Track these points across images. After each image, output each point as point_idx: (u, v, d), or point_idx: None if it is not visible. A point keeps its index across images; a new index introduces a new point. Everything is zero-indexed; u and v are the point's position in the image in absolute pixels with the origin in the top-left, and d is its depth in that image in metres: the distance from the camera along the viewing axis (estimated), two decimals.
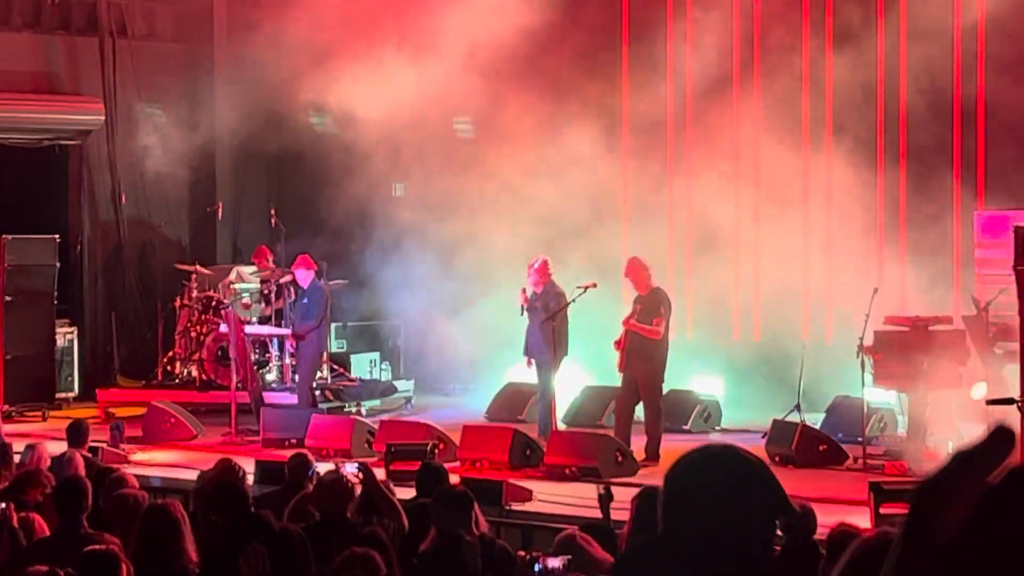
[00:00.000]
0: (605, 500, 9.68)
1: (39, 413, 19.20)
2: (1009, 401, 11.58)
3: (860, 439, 14.87)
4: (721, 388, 18.05)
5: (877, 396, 15.29)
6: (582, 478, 13.83)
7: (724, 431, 17.38)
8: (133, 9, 22.11)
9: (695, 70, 19.19)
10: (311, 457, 11.05)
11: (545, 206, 18.96)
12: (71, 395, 20.35)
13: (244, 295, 19.91)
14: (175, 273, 20.67)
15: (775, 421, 15.36)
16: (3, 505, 8.47)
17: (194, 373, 19.81)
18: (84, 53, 21.61)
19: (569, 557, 7.83)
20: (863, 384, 14.69)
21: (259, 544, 7.06)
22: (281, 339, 19.14)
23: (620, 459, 14.29)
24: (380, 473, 11.60)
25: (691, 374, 17.69)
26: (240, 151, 21.88)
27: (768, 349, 17.99)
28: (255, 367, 18.62)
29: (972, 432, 13.99)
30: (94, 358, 21.27)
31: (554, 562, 7.68)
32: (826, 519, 8.82)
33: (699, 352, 17.95)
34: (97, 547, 7.16)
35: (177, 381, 19.99)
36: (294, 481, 10.47)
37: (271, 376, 19.24)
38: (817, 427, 15.51)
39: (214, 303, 19.77)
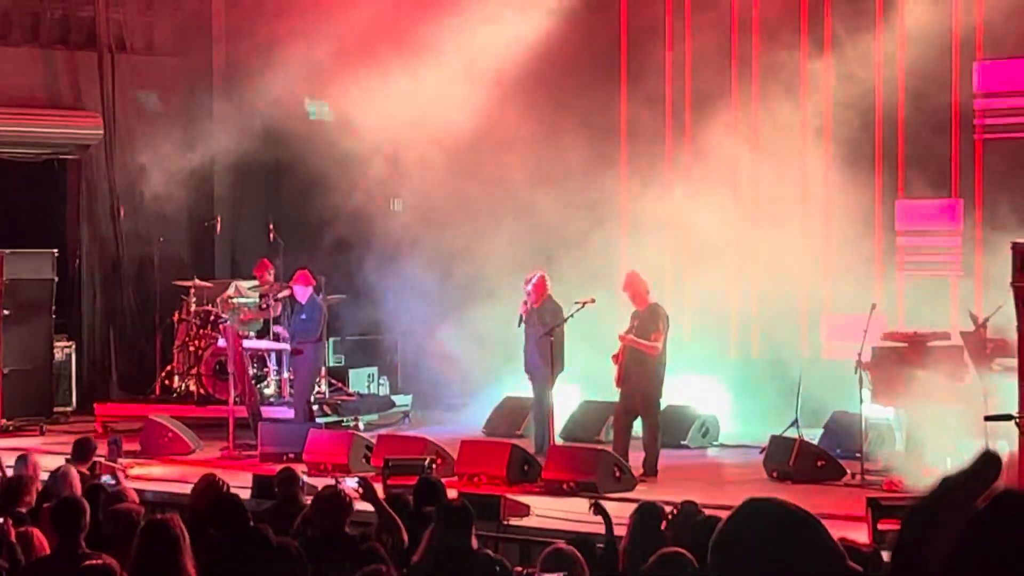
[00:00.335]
0: (605, 517, 9.64)
1: (37, 427, 19.19)
2: (1007, 417, 11.57)
3: (858, 455, 14.86)
4: (719, 403, 18.05)
5: (875, 412, 15.28)
6: (580, 493, 13.82)
7: (722, 446, 17.40)
8: (132, 24, 22.13)
9: (693, 82, 19.22)
10: (298, 471, 11.09)
11: (544, 218, 19.00)
12: (69, 409, 20.35)
13: (242, 310, 19.90)
14: (173, 287, 20.67)
15: (773, 437, 15.35)
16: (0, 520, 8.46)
17: (192, 387, 19.80)
18: (83, 68, 21.63)
19: (565, 574, 7.82)
20: (861, 400, 14.69)
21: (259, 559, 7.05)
22: (279, 353, 19.14)
23: (618, 474, 14.29)
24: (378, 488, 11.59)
25: (689, 389, 17.68)
26: (238, 165, 21.88)
27: (766, 364, 17.99)
28: (253, 381, 18.62)
29: (970, 448, 14.00)
30: (92, 372, 21.25)
31: None
32: None
33: (697, 367, 17.94)
34: (95, 562, 7.15)
35: (175, 395, 19.98)
36: (284, 496, 10.50)
37: (269, 390, 19.24)
38: (815, 443, 15.51)
39: (212, 317, 19.77)
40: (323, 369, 19.27)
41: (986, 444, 13.65)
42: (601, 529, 9.67)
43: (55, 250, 20.22)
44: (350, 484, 9.71)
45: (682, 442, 17.07)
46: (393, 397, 20.16)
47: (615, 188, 19.55)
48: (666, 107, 19.41)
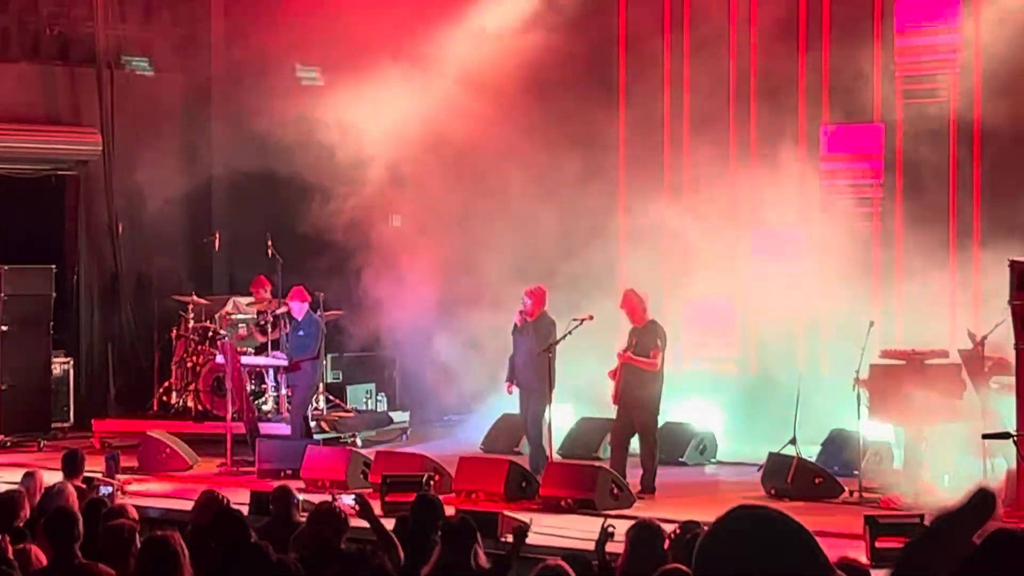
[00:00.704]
0: (605, 537, 9.61)
1: (34, 443, 19.18)
2: (1005, 435, 11.56)
3: (856, 472, 14.86)
4: (717, 420, 18.04)
5: (873, 429, 15.28)
6: (578, 510, 13.82)
7: (720, 463, 17.38)
8: (131, 40, 22.16)
9: (691, 95, 19.25)
10: (293, 489, 11.10)
11: (543, 234, 19.00)
12: (66, 425, 20.34)
13: (240, 326, 19.90)
14: (172, 303, 20.67)
15: (771, 454, 15.34)
16: None
17: (190, 404, 19.78)
18: (82, 84, 21.66)
19: None
20: (859, 417, 14.69)
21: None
22: (277, 369, 19.13)
23: (616, 491, 14.28)
24: (376, 505, 11.59)
25: (687, 406, 17.68)
26: (237, 181, 21.90)
27: (764, 381, 17.99)
28: (251, 398, 18.62)
29: (968, 466, 14.01)
30: (90, 388, 21.24)
31: None
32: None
33: (694, 384, 17.94)
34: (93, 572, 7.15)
35: (173, 411, 19.95)
36: (279, 513, 10.51)
37: (267, 407, 19.23)
38: (813, 460, 15.50)
39: (210, 333, 19.77)
40: (320, 385, 19.27)
41: (984, 466, 13.67)
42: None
43: (53, 266, 20.22)
44: (347, 501, 9.70)
45: (680, 459, 17.07)
46: (391, 413, 20.16)
47: (613, 201, 19.57)
48: (664, 120, 19.43)
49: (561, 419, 17.20)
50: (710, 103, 18.99)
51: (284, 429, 18.13)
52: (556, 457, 15.78)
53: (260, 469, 16.25)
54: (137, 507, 10.63)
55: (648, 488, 14.95)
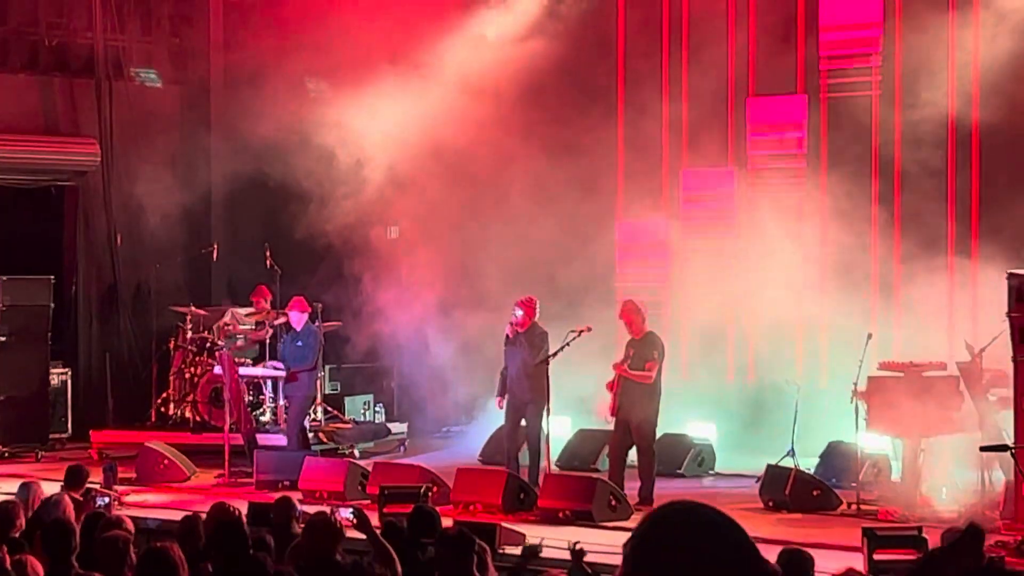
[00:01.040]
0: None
1: (32, 454, 19.18)
2: (1004, 448, 11.57)
3: (854, 484, 14.85)
4: (715, 432, 18.03)
5: (871, 441, 15.27)
6: (576, 522, 13.81)
7: (718, 475, 17.37)
8: (130, 51, 22.17)
9: (690, 102, 19.27)
10: (295, 500, 11.07)
11: (540, 244, 19.00)
12: (64, 436, 20.33)
13: (238, 337, 19.88)
14: (170, 314, 20.66)
15: (769, 466, 15.32)
16: None
17: (188, 414, 19.77)
18: (81, 95, 21.67)
19: None
20: (857, 429, 14.68)
21: None
22: (275, 380, 19.12)
23: (614, 503, 14.26)
24: (373, 516, 11.58)
25: (685, 418, 17.67)
26: (236, 192, 21.90)
27: (762, 393, 17.99)
28: (249, 409, 18.60)
29: (966, 478, 14.01)
30: (88, 399, 21.22)
31: None
32: (820, 565, 8.80)
33: (693, 396, 17.93)
34: None
35: (171, 422, 19.94)
36: (279, 523, 10.48)
37: (265, 417, 19.21)
38: (811, 472, 15.50)
39: (208, 344, 19.76)
40: (318, 396, 19.25)
41: (983, 479, 13.66)
42: (599, 558, 9.59)
43: (52, 276, 20.21)
44: (344, 515, 9.68)
45: (678, 471, 17.07)
46: (389, 425, 20.14)
47: (611, 210, 19.59)
48: (662, 128, 19.45)
49: (559, 430, 17.20)
50: (707, 111, 19.01)
51: (282, 440, 18.11)
52: (554, 469, 15.76)
53: (258, 480, 16.24)
54: (134, 518, 10.61)
55: (646, 500, 14.93)
